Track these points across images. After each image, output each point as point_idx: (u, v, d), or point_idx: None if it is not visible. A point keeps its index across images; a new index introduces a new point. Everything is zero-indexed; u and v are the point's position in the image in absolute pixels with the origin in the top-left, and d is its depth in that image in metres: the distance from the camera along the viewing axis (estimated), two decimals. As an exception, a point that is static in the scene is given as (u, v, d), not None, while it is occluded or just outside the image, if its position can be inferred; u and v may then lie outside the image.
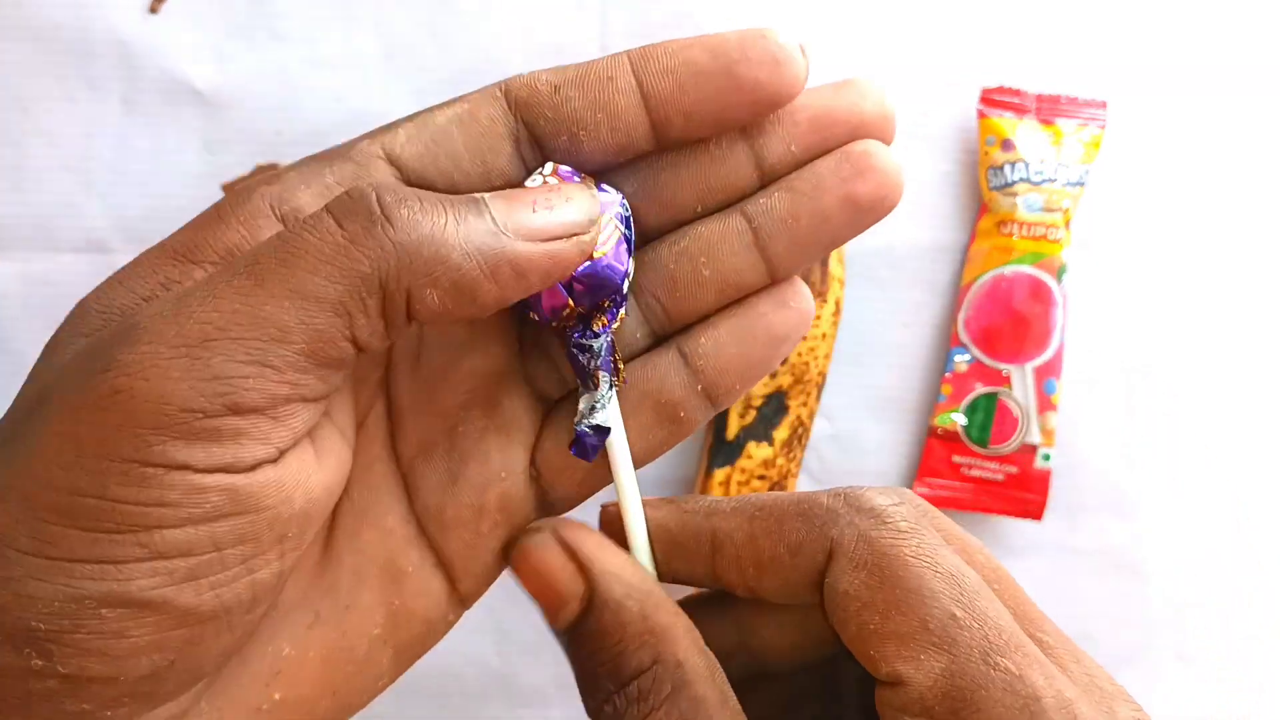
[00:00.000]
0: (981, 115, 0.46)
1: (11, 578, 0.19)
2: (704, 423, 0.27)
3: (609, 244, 0.24)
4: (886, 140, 0.25)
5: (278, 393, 0.20)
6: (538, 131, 0.24)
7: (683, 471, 0.47)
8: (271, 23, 0.47)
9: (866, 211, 0.25)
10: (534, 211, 0.22)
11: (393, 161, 0.23)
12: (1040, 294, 0.46)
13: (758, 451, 0.44)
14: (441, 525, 0.26)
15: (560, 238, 0.22)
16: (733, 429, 0.44)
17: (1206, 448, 0.47)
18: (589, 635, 0.23)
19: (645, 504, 0.25)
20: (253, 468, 0.20)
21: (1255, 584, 0.47)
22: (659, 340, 0.26)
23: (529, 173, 0.24)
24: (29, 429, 0.20)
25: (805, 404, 0.45)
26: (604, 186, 0.25)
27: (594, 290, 0.24)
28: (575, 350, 0.24)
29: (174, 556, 0.20)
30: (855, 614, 0.22)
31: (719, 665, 0.23)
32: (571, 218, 0.22)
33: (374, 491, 0.25)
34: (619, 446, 0.25)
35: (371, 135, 0.24)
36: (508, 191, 0.22)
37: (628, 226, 0.25)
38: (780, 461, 0.45)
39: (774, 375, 0.44)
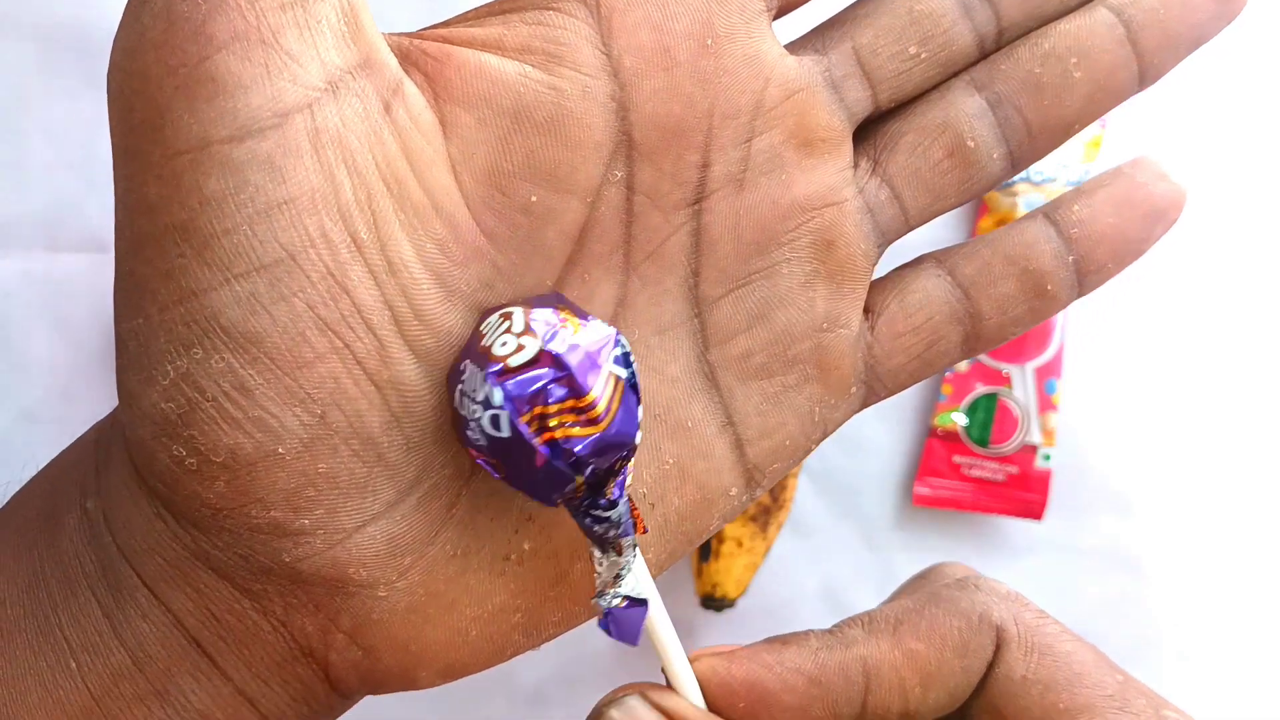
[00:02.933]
0: (982, 115, 0.46)
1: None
2: (1069, 304, 0.25)
3: (613, 403, 0.20)
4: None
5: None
6: None
7: (683, 471, 0.47)
8: (273, 22, 0.47)
9: (1230, 1, 0.24)
10: None
11: None
12: (1040, 294, 0.46)
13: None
14: (742, 375, 0.23)
15: None
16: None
17: (1206, 448, 0.47)
18: None
19: (739, 652, 0.23)
20: None
21: (1255, 584, 0.47)
22: (1016, 164, 0.25)
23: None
24: None
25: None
26: (588, 317, 0.20)
27: (603, 461, 0.20)
28: (589, 521, 0.21)
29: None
30: (1039, 697, 0.21)
31: None
32: None
33: (659, 333, 0.23)
34: (658, 616, 0.22)
35: None
36: None
37: (626, 364, 0.20)
38: (780, 461, 0.45)
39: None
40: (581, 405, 0.19)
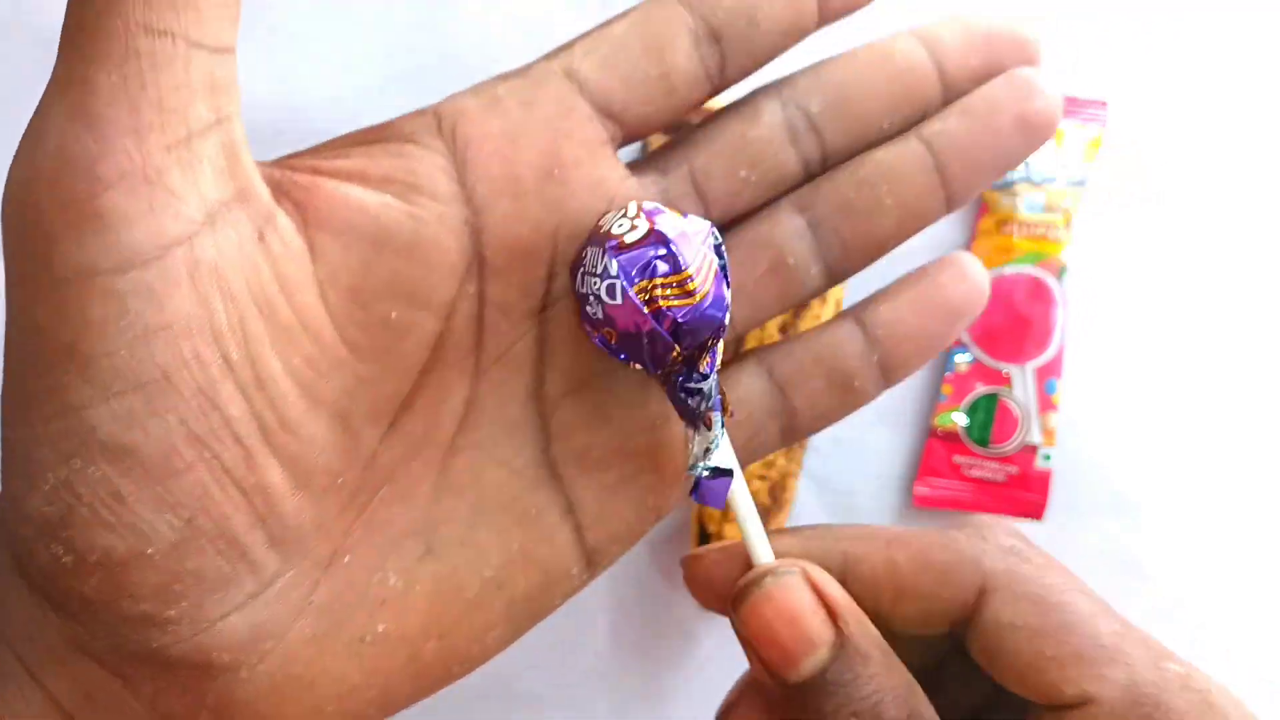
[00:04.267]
0: (981, 115, 0.46)
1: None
2: (874, 398, 0.27)
3: (707, 282, 0.23)
4: (1037, 65, 0.27)
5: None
6: (715, 22, 0.25)
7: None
8: (271, 23, 0.47)
9: (1037, 130, 0.26)
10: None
11: (570, 76, 0.24)
12: (1040, 294, 0.46)
13: (758, 451, 0.44)
14: (581, 468, 0.25)
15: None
16: (733, 429, 0.44)
17: (1206, 448, 0.47)
18: (838, 685, 0.22)
19: (737, 544, 0.25)
20: None
21: (1256, 583, 0.47)
22: (833, 278, 0.27)
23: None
24: None
25: (805, 404, 0.45)
26: (688, 214, 0.24)
27: (698, 333, 0.23)
28: (684, 395, 0.24)
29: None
30: (1027, 642, 0.22)
31: None
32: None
33: (506, 430, 0.25)
34: (739, 488, 0.25)
35: (545, 57, 0.25)
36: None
37: (720, 255, 0.24)
38: (780, 461, 0.45)
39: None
40: (681, 279, 0.23)
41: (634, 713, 0.47)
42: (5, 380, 0.21)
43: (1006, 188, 0.46)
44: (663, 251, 0.23)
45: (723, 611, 0.26)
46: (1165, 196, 0.48)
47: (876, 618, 0.24)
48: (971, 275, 0.27)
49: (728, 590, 0.25)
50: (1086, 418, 0.47)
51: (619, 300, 0.23)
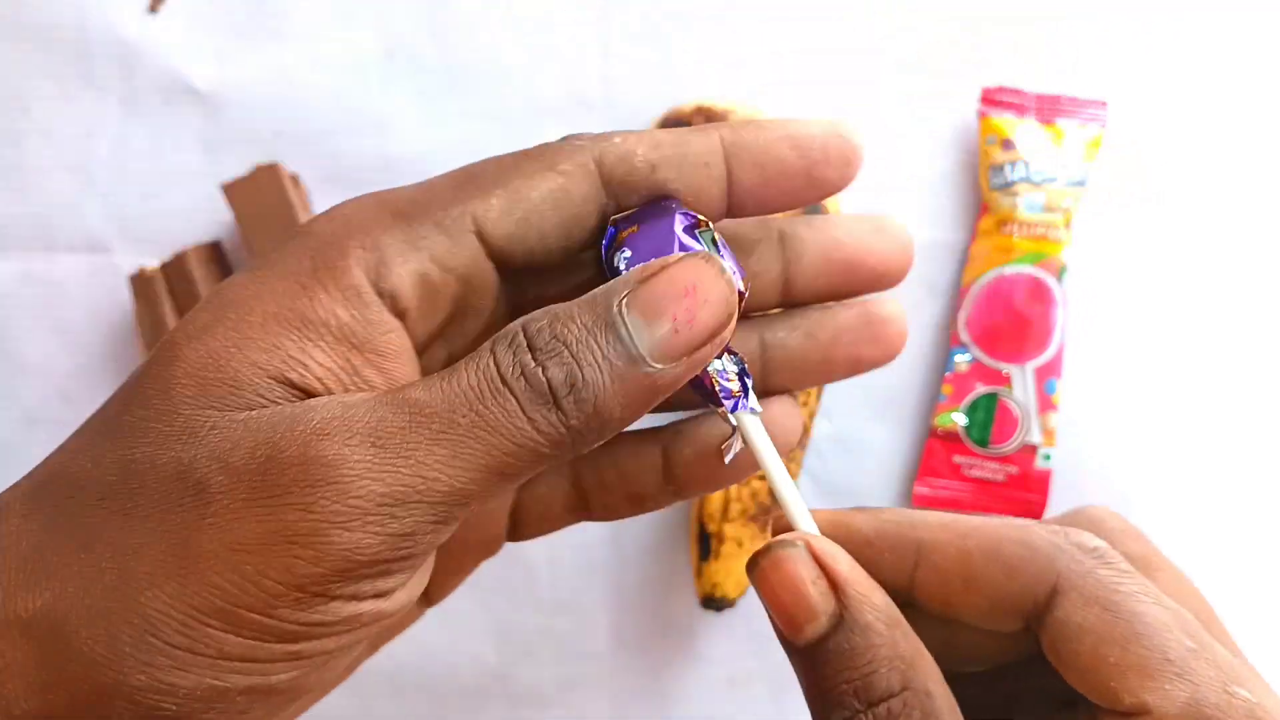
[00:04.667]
0: (981, 115, 0.46)
1: (153, 664, 0.20)
2: (664, 507, 0.29)
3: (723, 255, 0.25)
4: (905, 274, 0.28)
5: (438, 542, 0.22)
6: (625, 203, 0.25)
7: (683, 471, 0.47)
8: (271, 23, 0.47)
9: (866, 368, 0.28)
10: (675, 332, 0.22)
11: (482, 237, 0.24)
12: (1040, 294, 0.46)
13: (758, 451, 0.44)
14: None
15: (703, 345, 0.22)
16: (733, 429, 0.44)
17: (1206, 447, 0.47)
18: (836, 653, 0.23)
19: (840, 512, 0.26)
20: (394, 590, 0.22)
21: (1255, 584, 0.47)
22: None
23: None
24: (183, 516, 0.20)
25: (805, 404, 0.45)
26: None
27: None
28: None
29: (315, 656, 0.21)
30: (1091, 647, 0.22)
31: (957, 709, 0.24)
32: (713, 322, 0.22)
33: None
34: (774, 462, 0.25)
35: (462, 189, 0.24)
36: (642, 295, 0.22)
37: (718, 244, 0.26)
38: (780, 461, 0.45)
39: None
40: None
41: (634, 712, 0.47)
42: None
43: (1007, 188, 0.46)
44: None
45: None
46: (1165, 196, 0.48)
47: (948, 608, 0.24)
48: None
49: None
50: (1086, 418, 0.47)
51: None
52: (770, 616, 0.24)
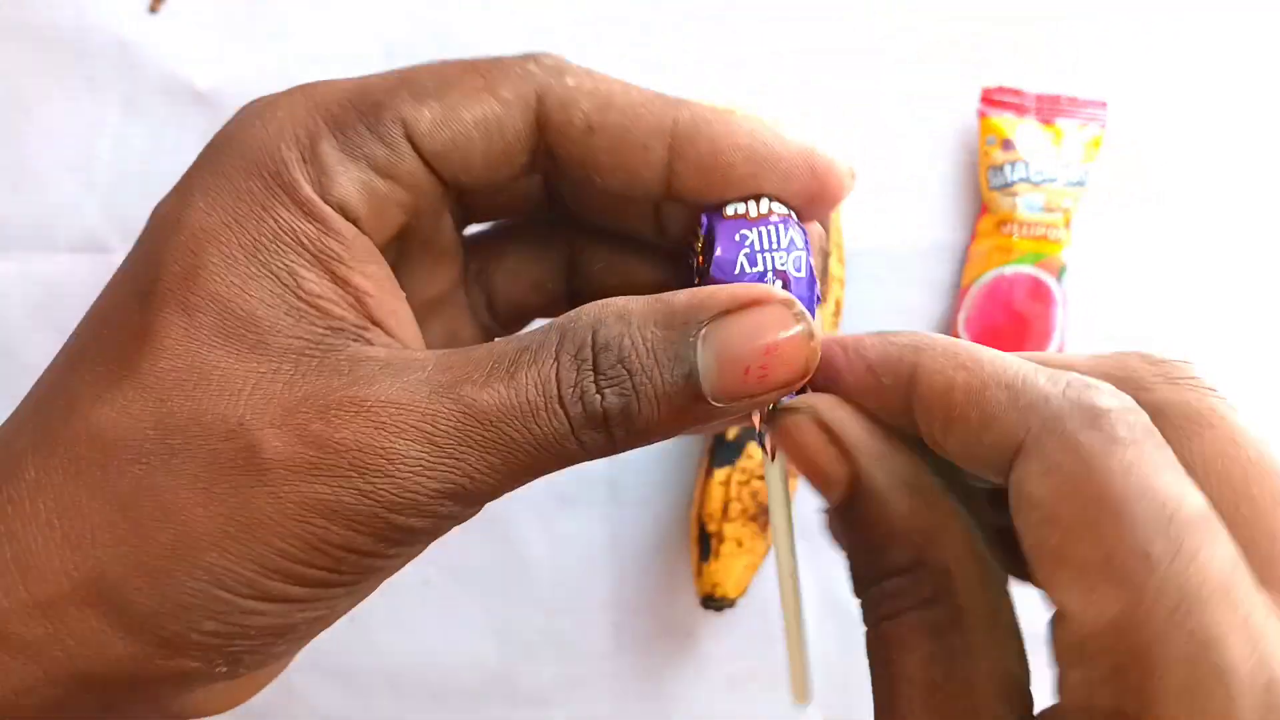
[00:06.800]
0: (981, 115, 0.46)
1: (224, 614, 0.21)
2: None
3: (802, 270, 0.23)
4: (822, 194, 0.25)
5: (472, 516, 0.23)
6: (559, 154, 0.24)
7: (683, 472, 0.47)
8: (271, 23, 0.47)
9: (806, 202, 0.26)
10: (745, 383, 0.21)
11: (416, 147, 0.23)
12: (1040, 294, 0.46)
13: (758, 452, 0.44)
14: None
15: (767, 396, 0.22)
16: (733, 430, 0.44)
17: (1207, 448, 0.47)
18: (854, 522, 0.22)
19: (854, 336, 0.23)
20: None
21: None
22: None
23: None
24: (238, 479, 0.20)
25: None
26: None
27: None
28: None
29: (368, 590, 0.22)
30: (1035, 525, 0.19)
31: (1001, 575, 0.21)
32: (785, 380, 0.22)
33: None
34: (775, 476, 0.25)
35: (394, 93, 0.23)
36: (721, 336, 0.21)
37: (812, 261, 0.25)
38: (780, 461, 0.45)
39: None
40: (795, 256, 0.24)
41: (634, 712, 0.47)
42: None
43: (1006, 188, 0.46)
44: (786, 226, 0.24)
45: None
46: (1165, 196, 0.48)
47: (934, 445, 0.21)
48: None
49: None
50: (1086, 417, 0.47)
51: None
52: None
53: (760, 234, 0.24)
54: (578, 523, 0.47)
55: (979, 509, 0.22)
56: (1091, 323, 0.47)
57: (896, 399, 0.22)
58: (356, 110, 0.23)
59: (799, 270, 0.23)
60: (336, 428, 0.20)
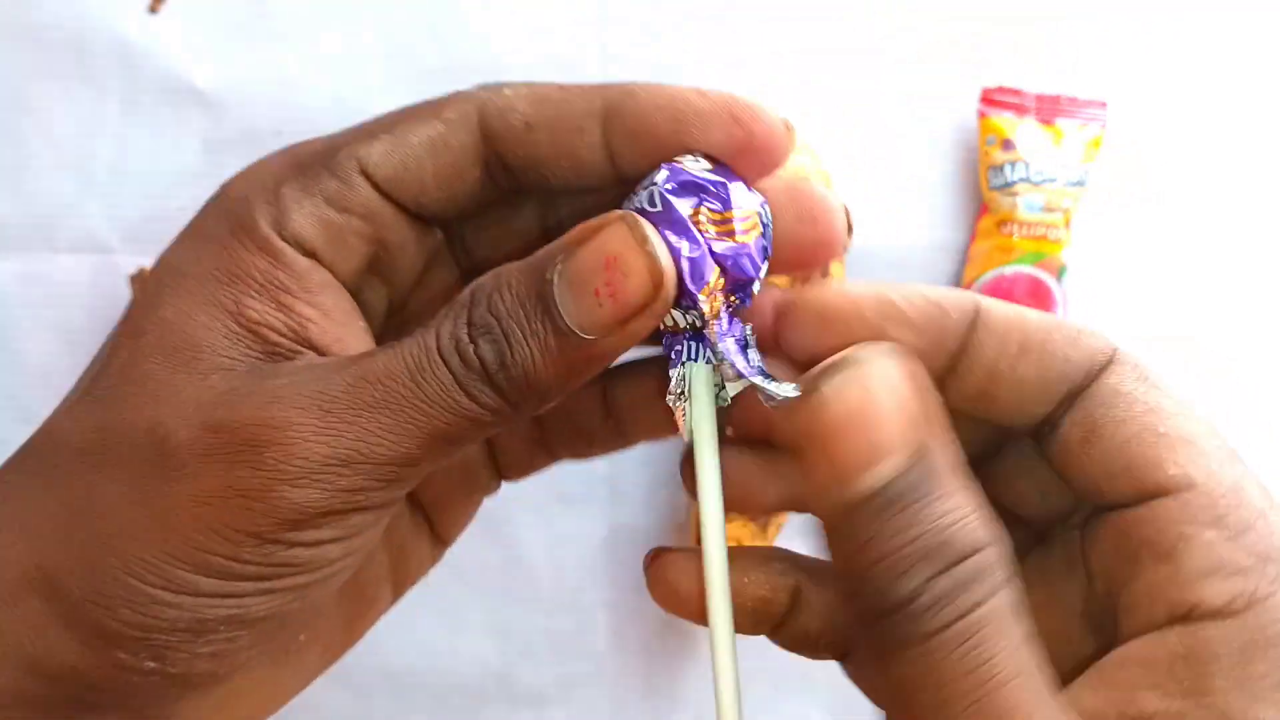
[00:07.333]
0: (981, 115, 0.46)
1: (137, 603, 0.21)
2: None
3: (749, 235, 0.23)
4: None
5: (394, 497, 0.23)
6: (509, 161, 0.25)
7: (683, 471, 0.47)
8: (271, 23, 0.47)
9: (808, 252, 0.25)
10: (600, 305, 0.22)
11: (368, 178, 0.24)
12: (1040, 294, 0.46)
13: (758, 451, 0.44)
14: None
15: (632, 317, 0.22)
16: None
17: (1207, 448, 0.47)
18: (900, 505, 0.19)
19: (868, 283, 0.24)
20: (361, 532, 0.23)
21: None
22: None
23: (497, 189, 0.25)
24: (151, 471, 0.21)
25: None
26: (753, 190, 0.24)
27: (729, 273, 0.23)
28: (689, 336, 0.24)
29: (287, 591, 0.22)
30: (1140, 415, 0.21)
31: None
32: (638, 295, 0.22)
33: None
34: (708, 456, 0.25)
35: (352, 136, 0.25)
36: (571, 265, 0.22)
37: (765, 230, 0.24)
38: (780, 461, 0.45)
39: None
40: (725, 217, 0.23)
41: (634, 712, 0.47)
42: None
43: (1006, 188, 0.46)
44: (714, 187, 0.23)
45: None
46: (1165, 196, 0.48)
47: (990, 383, 0.22)
48: None
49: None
50: (1086, 417, 0.47)
51: (658, 207, 0.23)
52: (810, 464, 0.20)
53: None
54: (577, 522, 0.46)
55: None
56: (1091, 323, 0.47)
57: (955, 338, 0.23)
58: (320, 156, 0.24)
59: (653, 205, 0.23)
60: (236, 411, 0.21)
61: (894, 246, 0.47)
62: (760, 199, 0.24)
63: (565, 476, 0.45)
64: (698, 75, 0.47)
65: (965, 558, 0.19)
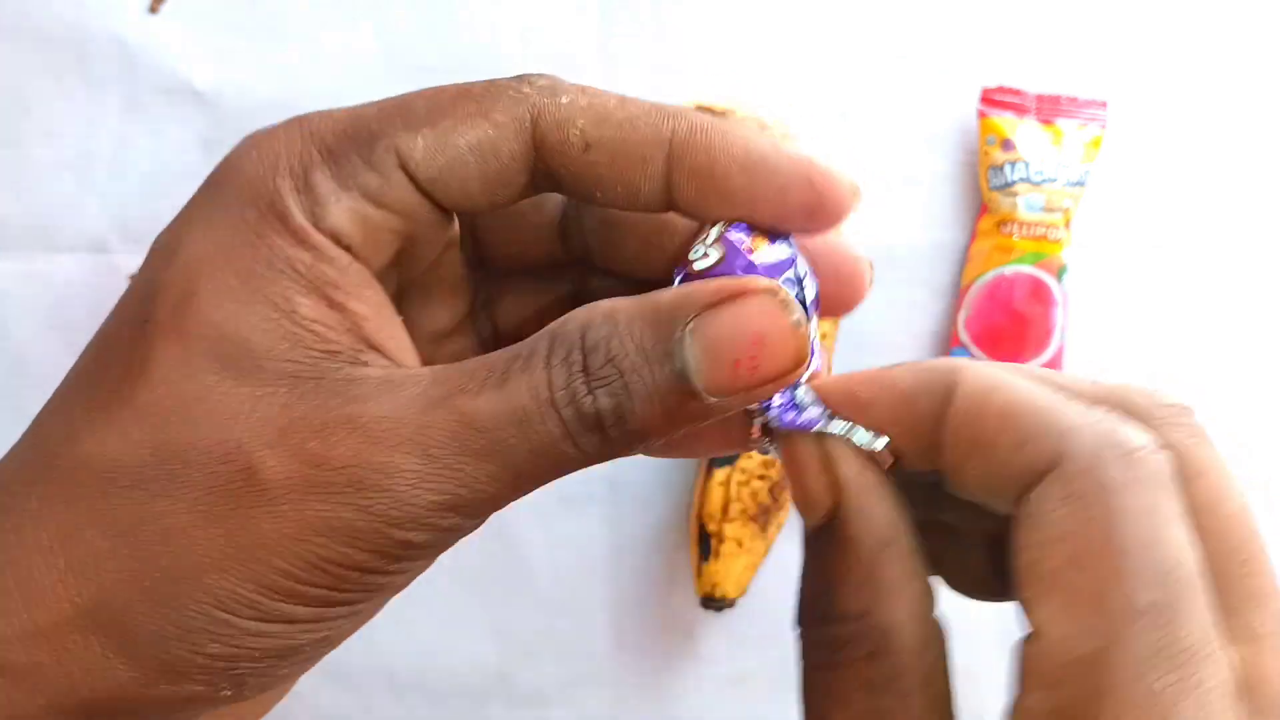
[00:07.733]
0: (981, 115, 0.46)
1: (227, 636, 0.21)
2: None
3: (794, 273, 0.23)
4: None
5: (475, 529, 0.23)
6: (557, 176, 0.24)
7: (683, 472, 0.47)
8: (271, 22, 0.47)
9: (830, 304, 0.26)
10: (736, 376, 0.21)
11: (408, 173, 0.23)
12: (1040, 294, 0.46)
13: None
14: None
15: (764, 386, 0.21)
16: (733, 429, 0.44)
17: (1207, 448, 0.47)
18: (819, 551, 0.22)
19: (882, 369, 0.23)
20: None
21: (1255, 584, 0.47)
22: None
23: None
24: (236, 501, 0.20)
25: (825, 334, 0.45)
26: (778, 239, 0.23)
27: None
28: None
29: (371, 610, 0.22)
30: (1040, 544, 0.19)
31: (943, 642, 0.21)
32: (777, 371, 0.21)
33: None
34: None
35: (387, 121, 0.23)
36: (708, 330, 0.21)
37: (798, 285, 0.23)
38: (780, 461, 0.45)
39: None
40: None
41: (634, 712, 0.47)
42: None
43: (1006, 188, 0.46)
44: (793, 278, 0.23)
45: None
46: (1165, 196, 0.48)
47: (955, 473, 0.22)
48: None
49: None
50: (1086, 417, 0.47)
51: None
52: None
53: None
54: (578, 523, 0.46)
55: (975, 516, 0.22)
56: (1091, 323, 0.47)
57: (926, 427, 0.22)
58: (351, 140, 0.23)
59: (789, 275, 0.23)
60: (332, 445, 0.20)
61: (894, 246, 0.47)
62: (789, 255, 0.23)
63: (565, 477, 0.45)
64: (699, 76, 0.47)
65: (834, 621, 0.21)
